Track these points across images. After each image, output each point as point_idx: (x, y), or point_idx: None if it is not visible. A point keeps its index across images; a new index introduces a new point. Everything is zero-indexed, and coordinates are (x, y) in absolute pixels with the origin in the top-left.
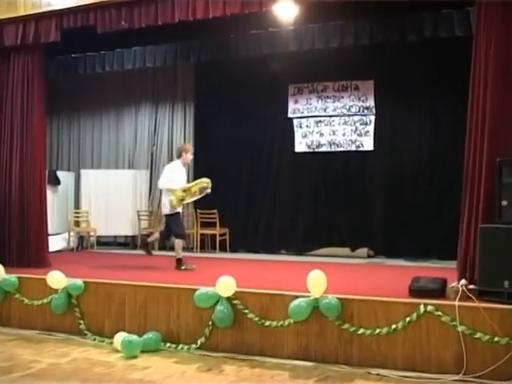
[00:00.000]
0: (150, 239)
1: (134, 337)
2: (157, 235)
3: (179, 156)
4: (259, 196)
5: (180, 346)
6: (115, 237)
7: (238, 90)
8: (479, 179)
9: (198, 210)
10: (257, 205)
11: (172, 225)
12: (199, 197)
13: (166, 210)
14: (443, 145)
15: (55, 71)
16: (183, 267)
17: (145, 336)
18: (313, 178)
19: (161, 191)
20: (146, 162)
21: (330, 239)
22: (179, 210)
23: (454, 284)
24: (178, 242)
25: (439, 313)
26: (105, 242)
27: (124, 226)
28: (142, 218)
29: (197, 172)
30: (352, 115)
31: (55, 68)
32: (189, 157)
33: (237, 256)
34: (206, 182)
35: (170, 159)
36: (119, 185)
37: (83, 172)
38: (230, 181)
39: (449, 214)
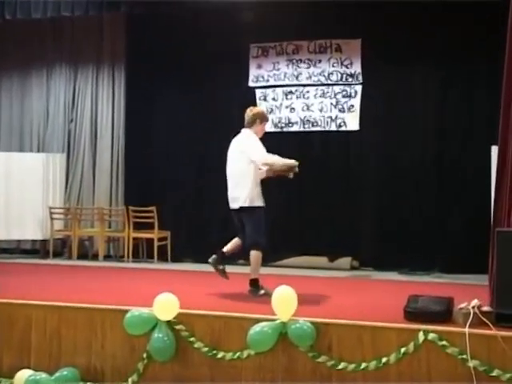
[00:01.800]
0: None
1: (43, 375)
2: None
3: (252, 124)
4: (210, 189)
5: None
6: (19, 242)
7: (183, 51)
8: None
9: (130, 207)
10: (207, 201)
11: (250, 226)
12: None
13: (242, 201)
14: (454, 127)
15: None
16: (261, 292)
17: (57, 374)
18: None
19: (230, 176)
20: (62, 142)
21: (303, 246)
22: (261, 202)
23: (463, 305)
24: (255, 255)
25: (444, 342)
26: (5, 249)
27: (31, 228)
28: (55, 217)
29: (129, 160)
30: (332, 85)
31: None
32: (264, 129)
33: (181, 267)
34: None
35: (94, 139)
36: (25, 173)
37: None
38: (172, 170)
39: (458, 216)
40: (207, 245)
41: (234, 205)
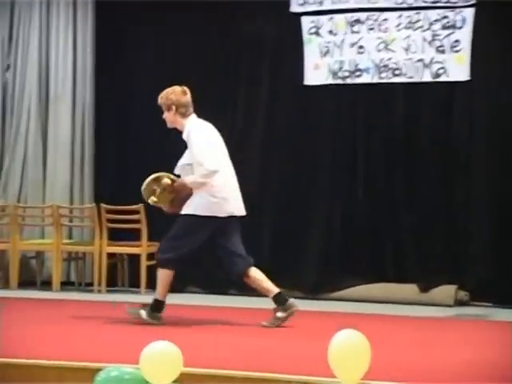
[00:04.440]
0: None
1: None
2: None
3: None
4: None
5: None
6: None
7: None
8: None
9: (103, 205)
10: None
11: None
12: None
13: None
14: None
15: None
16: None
17: None
18: (341, 141)
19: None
20: None
21: (376, 269)
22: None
23: None
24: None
25: None
26: None
27: None
28: None
29: (101, 133)
30: (425, 8)
31: None
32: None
33: (184, 300)
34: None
35: (44, 99)
36: None
37: None
38: (168, 150)
39: None
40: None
41: (242, 211)
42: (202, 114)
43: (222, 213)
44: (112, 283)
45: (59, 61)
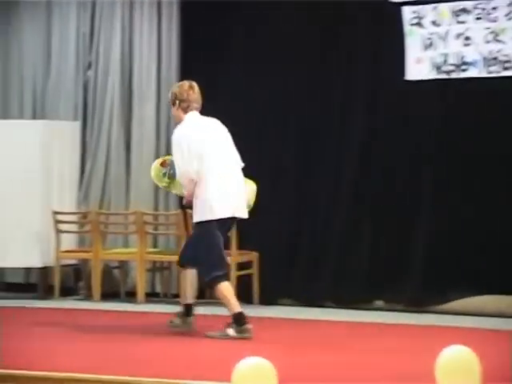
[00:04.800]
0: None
1: None
2: None
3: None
4: (320, 183)
5: None
6: (1, 271)
7: None
8: None
9: (190, 211)
10: (317, 203)
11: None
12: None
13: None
14: None
15: None
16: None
17: None
18: (445, 141)
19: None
20: (72, 104)
21: (485, 279)
22: (211, 214)
23: None
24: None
25: None
26: None
27: (22, 249)
28: (63, 228)
29: None
30: None
31: None
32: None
33: (276, 313)
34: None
35: (127, 99)
36: (10, 154)
37: None
38: (259, 150)
39: None
40: (320, 276)
41: (239, 212)
42: (301, 112)
43: (223, 213)
44: (199, 295)
45: (143, 60)
